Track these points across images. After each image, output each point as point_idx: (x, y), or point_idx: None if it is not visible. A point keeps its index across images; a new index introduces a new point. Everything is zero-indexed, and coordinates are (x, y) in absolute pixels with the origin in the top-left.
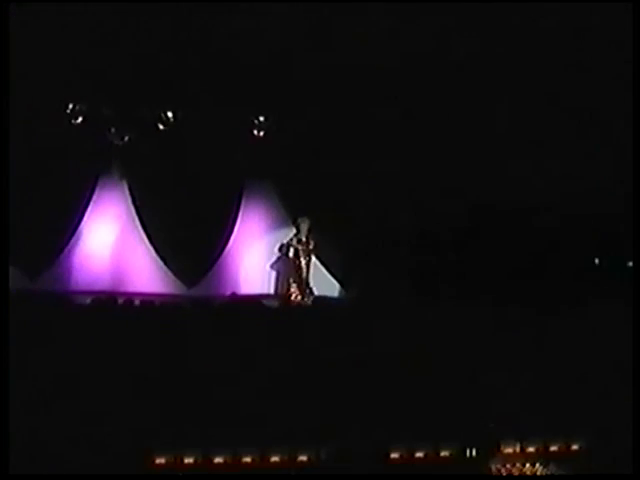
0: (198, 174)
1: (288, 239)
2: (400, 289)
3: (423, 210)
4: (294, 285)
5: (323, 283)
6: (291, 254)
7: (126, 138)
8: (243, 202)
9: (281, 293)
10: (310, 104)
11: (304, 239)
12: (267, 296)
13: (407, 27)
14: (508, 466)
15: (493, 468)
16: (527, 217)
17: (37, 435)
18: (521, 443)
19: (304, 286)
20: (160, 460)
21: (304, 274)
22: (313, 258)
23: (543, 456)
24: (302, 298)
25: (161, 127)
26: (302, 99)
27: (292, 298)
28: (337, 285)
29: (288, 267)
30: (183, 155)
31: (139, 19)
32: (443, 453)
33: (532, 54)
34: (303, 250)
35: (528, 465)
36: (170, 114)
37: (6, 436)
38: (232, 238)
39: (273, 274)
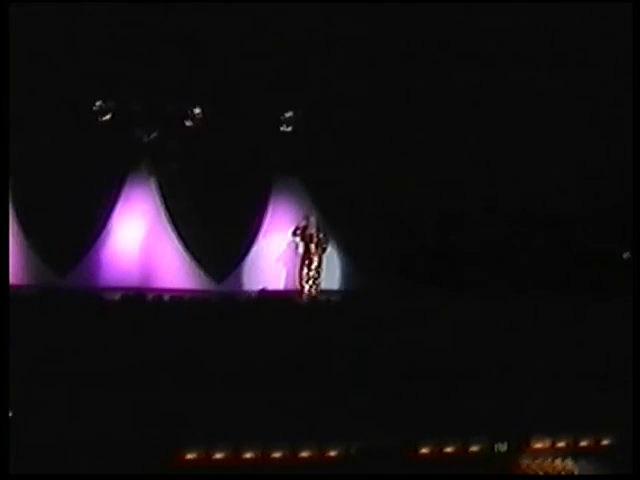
0: (226, 170)
1: (302, 225)
2: (426, 282)
3: (451, 204)
4: (305, 278)
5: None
6: (301, 249)
7: (154, 135)
8: (271, 198)
9: (293, 286)
10: (337, 99)
11: (314, 232)
12: (296, 292)
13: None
14: (538, 461)
15: (523, 463)
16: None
17: (66, 430)
18: (551, 438)
19: (314, 279)
20: (190, 455)
21: (314, 267)
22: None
23: (573, 451)
24: (313, 291)
25: (188, 123)
26: (329, 94)
27: (305, 291)
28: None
29: (299, 260)
30: (210, 151)
31: (165, 17)
32: (472, 448)
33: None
34: (314, 244)
35: (558, 460)
36: (197, 110)
37: (6, 436)
38: (260, 234)
39: (285, 267)
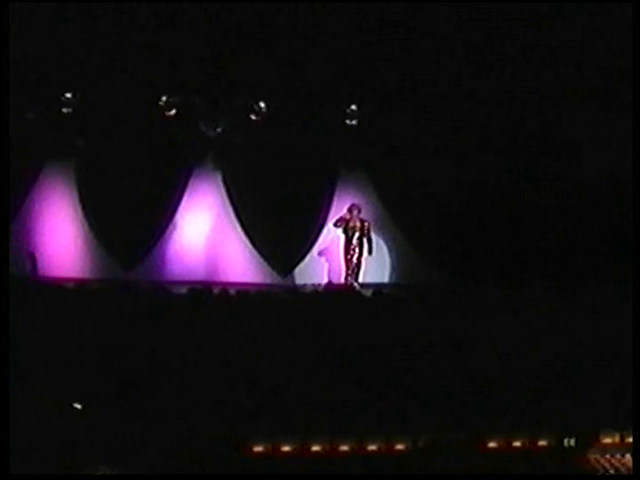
0: (291, 163)
1: (345, 216)
2: (488, 276)
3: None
4: (346, 270)
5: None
6: (342, 241)
7: (219, 129)
8: (336, 191)
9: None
10: (401, 93)
11: (357, 224)
12: (362, 285)
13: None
14: (607, 456)
15: (591, 458)
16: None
17: (136, 424)
18: (620, 433)
19: (355, 271)
20: (257, 448)
21: (356, 259)
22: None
23: None
24: (353, 283)
25: (253, 117)
26: (394, 88)
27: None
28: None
29: (342, 252)
30: (275, 145)
31: (230, 11)
32: (541, 442)
33: None
34: (356, 236)
35: (628, 455)
36: (262, 104)
37: (6, 436)
38: (326, 227)
39: (325, 260)
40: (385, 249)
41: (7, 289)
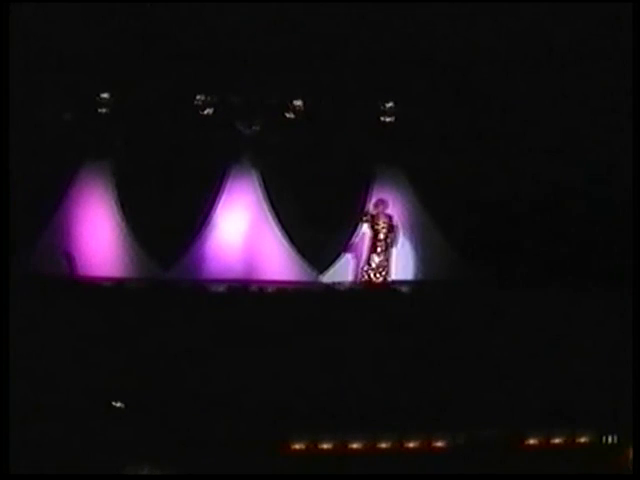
0: (327, 161)
1: (371, 211)
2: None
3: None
4: (371, 266)
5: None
6: (368, 238)
7: (255, 128)
8: (373, 188)
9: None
10: (438, 89)
11: (385, 220)
12: (399, 282)
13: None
14: None
15: (631, 457)
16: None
17: (174, 420)
18: None
19: (382, 268)
20: (297, 446)
21: (383, 256)
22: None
23: None
24: (382, 279)
25: (289, 115)
26: (430, 83)
27: (373, 279)
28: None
29: (367, 248)
30: (312, 143)
31: (268, 8)
32: (580, 440)
33: None
34: (383, 232)
35: None
36: (298, 102)
37: (6, 436)
38: (361, 224)
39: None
40: (419, 245)
41: (7, 288)
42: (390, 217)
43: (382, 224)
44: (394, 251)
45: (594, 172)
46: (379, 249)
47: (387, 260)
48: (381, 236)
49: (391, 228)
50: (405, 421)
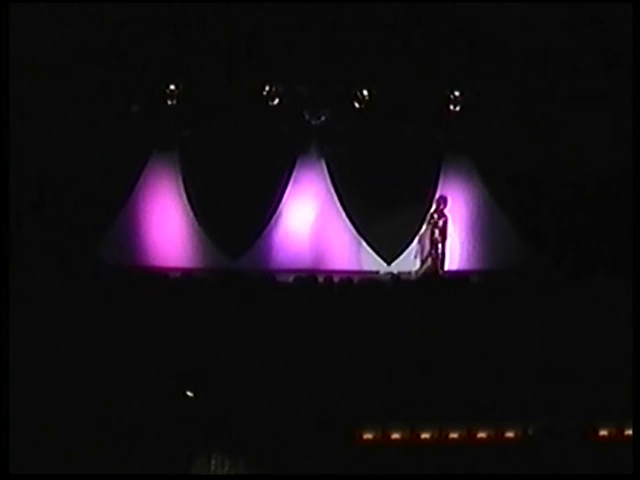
0: (395, 150)
1: (439, 202)
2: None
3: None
4: (441, 255)
5: None
6: (436, 227)
7: (323, 117)
8: (441, 177)
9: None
10: (505, 78)
11: (439, 218)
12: (467, 272)
13: None
14: None
15: None
16: None
17: (244, 409)
18: None
19: (439, 258)
20: (368, 435)
21: (440, 246)
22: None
23: None
24: (437, 269)
25: (357, 105)
26: (496, 72)
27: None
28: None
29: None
30: (379, 132)
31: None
32: None
33: None
34: (437, 225)
35: None
36: (365, 92)
37: (6, 436)
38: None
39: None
40: (487, 234)
41: (7, 289)
42: (444, 216)
43: (437, 221)
44: (461, 240)
45: None
46: (446, 239)
47: (454, 250)
48: (448, 226)
49: (442, 228)
50: (476, 411)
